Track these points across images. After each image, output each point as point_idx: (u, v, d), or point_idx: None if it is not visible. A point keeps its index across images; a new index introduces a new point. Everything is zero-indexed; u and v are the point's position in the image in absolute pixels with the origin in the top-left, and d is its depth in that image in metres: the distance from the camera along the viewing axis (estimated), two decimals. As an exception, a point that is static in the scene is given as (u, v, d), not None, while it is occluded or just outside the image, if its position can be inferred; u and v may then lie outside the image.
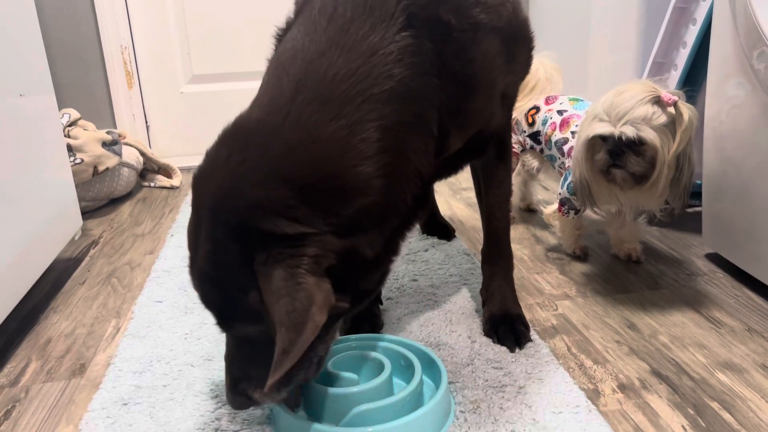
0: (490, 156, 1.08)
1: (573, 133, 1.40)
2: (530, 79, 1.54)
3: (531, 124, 1.53)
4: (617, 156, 1.15)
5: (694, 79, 1.53)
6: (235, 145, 0.74)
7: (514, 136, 1.57)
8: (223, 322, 0.78)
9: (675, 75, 1.51)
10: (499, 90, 0.95)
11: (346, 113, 0.74)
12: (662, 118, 1.12)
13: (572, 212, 1.40)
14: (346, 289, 0.74)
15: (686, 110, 1.11)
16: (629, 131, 1.12)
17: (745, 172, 1.22)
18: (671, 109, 1.12)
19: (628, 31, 1.84)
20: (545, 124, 1.48)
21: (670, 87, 1.53)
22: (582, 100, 1.49)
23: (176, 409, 0.93)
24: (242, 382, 0.78)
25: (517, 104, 1.54)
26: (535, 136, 1.52)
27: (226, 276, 0.72)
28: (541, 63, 1.56)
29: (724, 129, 1.28)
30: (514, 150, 1.57)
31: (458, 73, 0.84)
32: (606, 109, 1.16)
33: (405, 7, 0.79)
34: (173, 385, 0.99)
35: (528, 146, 1.57)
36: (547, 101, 1.52)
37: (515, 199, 1.74)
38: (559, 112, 1.46)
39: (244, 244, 0.70)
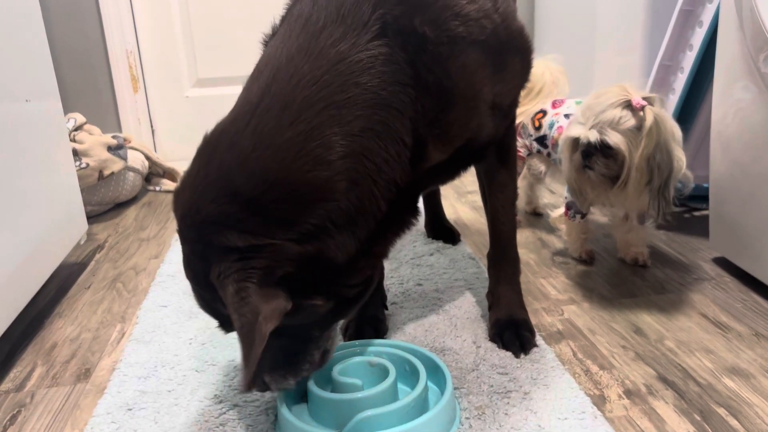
0: (492, 161, 1.08)
1: None
2: (536, 83, 1.53)
3: (537, 128, 1.52)
4: (587, 158, 1.17)
5: (701, 82, 1.52)
6: (203, 159, 0.77)
7: (520, 140, 1.56)
8: (222, 324, 0.83)
9: (682, 78, 1.51)
10: (487, 101, 0.93)
11: (304, 119, 0.75)
12: (631, 122, 1.12)
13: (578, 216, 1.40)
14: (322, 292, 0.78)
15: (650, 115, 1.11)
16: (592, 135, 1.14)
17: (752, 176, 1.21)
18: (641, 113, 1.12)
19: (633, 34, 1.83)
20: (552, 127, 1.47)
21: (676, 94, 1.52)
22: None
23: (181, 414, 0.93)
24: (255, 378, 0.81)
25: (523, 108, 1.53)
26: (541, 140, 1.52)
27: (201, 287, 0.78)
28: (546, 66, 1.55)
29: (730, 132, 1.27)
30: (520, 154, 1.56)
31: (433, 85, 0.84)
32: (583, 111, 1.18)
33: (379, 17, 0.79)
34: (178, 390, 0.99)
35: (534, 150, 1.56)
36: (554, 105, 1.51)
37: (521, 203, 1.73)
38: (566, 116, 1.45)
39: (204, 259, 0.74)
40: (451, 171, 1.00)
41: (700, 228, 1.59)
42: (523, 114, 1.54)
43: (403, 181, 0.83)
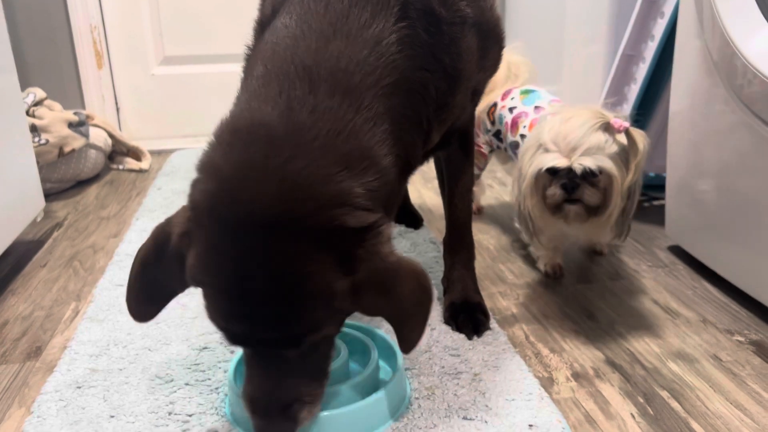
0: (454, 148, 1.09)
1: (522, 136, 1.33)
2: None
3: (492, 123, 1.46)
4: (572, 190, 1.05)
5: (662, 73, 1.54)
6: (264, 145, 0.67)
7: (482, 136, 1.51)
8: (293, 340, 0.69)
9: (643, 68, 1.52)
10: (472, 85, 0.95)
11: (367, 106, 0.73)
12: (614, 147, 1.04)
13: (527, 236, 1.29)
14: None
15: (640, 138, 1.04)
16: (589, 162, 1.02)
17: (708, 167, 1.23)
18: (620, 136, 1.05)
19: (600, 24, 1.85)
20: (501, 121, 1.42)
21: (637, 83, 1.54)
22: (534, 91, 1.42)
23: (131, 392, 0.92)
24: (294, 404, 0.71)
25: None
26: (498, 135, 1.46)
27: (308, 285, 0.65)
28: (504, 60, 1.45)
29: (687, 123, 1.29)
30: (482, 150, 1.52)
31: (447, 68, 0.84)
32: (553, 138, 1.05)
33: None
34: (129, 368, 0.98)
35: (495, 146, 1.51)
36: (503, 96, 1.44)
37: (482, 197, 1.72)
38: (510, 110, 1.39)
39: (330, 246, 0.65)
40: (427, 156, 1.01)
41: (657, 217, 1.62)
42: (478, 109, 1.46)
43: (414, 166, 0.84)
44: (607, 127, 1.04)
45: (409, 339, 0.72)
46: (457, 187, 1.13)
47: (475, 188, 1.59)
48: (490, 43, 0.96)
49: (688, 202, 1.32)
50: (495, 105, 1.45)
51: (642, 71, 1.52)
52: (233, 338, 0.70)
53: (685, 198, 1.33)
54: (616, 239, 1.13)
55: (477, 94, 1.01)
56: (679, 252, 1.41)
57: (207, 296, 0.69)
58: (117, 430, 0.84)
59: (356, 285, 0.67)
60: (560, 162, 1.04)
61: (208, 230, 0.67)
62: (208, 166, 0.69)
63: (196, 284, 0.70)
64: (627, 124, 1.04)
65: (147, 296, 0.77)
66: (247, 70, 0.81)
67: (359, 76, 0.73)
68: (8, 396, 0.94)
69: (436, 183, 1.21)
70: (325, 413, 0.79)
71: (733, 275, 1.21)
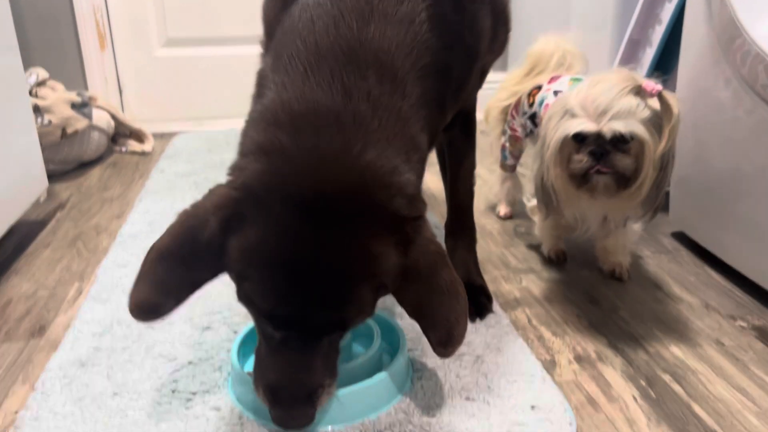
0: (457, 130, 1.08)
1: None
2: (539, 61, 1.41)
3: (531, 105, 1.34)
4: (601, 156, 0.98)
5: (668, 58, 1.53)
6: (334, 133, 0.67)
7: (517, 118, 1.41)
8: (342, 322, 0.69)
9: (650, 52, 1.51)
10: (481, 66, 0.95)
11: (409, 91, 0.73)
12: (646, 112, 0.97)
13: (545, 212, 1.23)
14: None
15: (674, 102, 0.96)
16: (620, 126, 0.95)
17: (711, 152, 1.23)
18: (652, 101, 0.98)
19: (606, 8, 1.83)
20: (542, 104, 1.30)
21: (644, 68, 1.53)
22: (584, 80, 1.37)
23: (134, 370, 0.92)
24: (318, 390, 0.70)
25: (520, 87, 1.43)
26: (533, 118, 1.34)
27: (368, 267, 0.66)
28: (557, 45, 1.39)
29: (693, 108, 1.28)
30: (516, 134, 1.42)
31: (469, 48, 0.84)
32: (581, 102, 0.98)
33: None
34: (132, 347, 0.98)
35: (528, 130, 1.36)
36: (551, 81, 1.33)
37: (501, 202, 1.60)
38: (555, 93, 1.27)
39: (390, 232, 0.67)
40: None
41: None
42: (518, 93, 1.40)
43: (432, 144, 0.84)
44: (639, 91, 0.97)
45: (451, 335, 0.70)
46: (459, 171, 1.12)
47: (507, 183, 1.53)
48: (499, 24, 0.95)
49: (692, 188, 1.32)
50: (539, 87, 1.34)
51: (649, 56, 1.51)
52: (281, 323, 0.68)
53: (689, 184, 1.32)
54: (645, 218, 1.06)
55: (484, 75, 1.01)
56: (682, 238, 1.41)
57: (257, 280, 0.66)
58: (120, 407, 0.84)
59: (406, 268, 0.68)
60: (589, 127, 0.97)
61: (269, 212, 0.65)
62: (269, 148, 0.67)
63: (247, 268, 0.66)
64: (660, 87, 0.97)
65: (164, 290, 0.69)
66: (278, 47, 0.77)
67: (400, 59, 0.73)
68: (12, 373, 0.95)
69: (438, 167, 1.20)
70: (327, 393, 0.80)
71: (736, 261, 1.21)
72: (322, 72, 0.70)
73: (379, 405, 0.83)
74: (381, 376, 0.83)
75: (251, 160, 0.68)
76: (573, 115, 0.99)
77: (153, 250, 0.69)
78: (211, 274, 0.70)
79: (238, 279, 0.68)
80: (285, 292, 0.65)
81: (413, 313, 0.72)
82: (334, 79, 0.70)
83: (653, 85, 0.96)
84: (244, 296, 0.69)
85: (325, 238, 0.64)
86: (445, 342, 0.70)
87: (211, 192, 0.69)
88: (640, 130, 0.96)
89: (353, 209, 0.65)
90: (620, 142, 0.97)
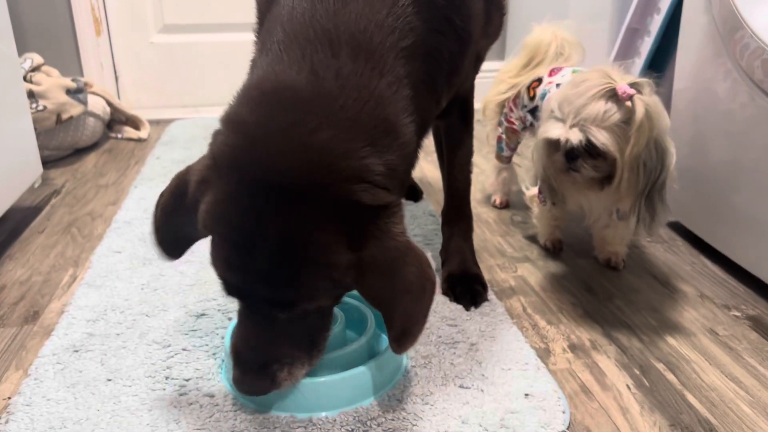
0: (453, 117, 1.07)
1: None
2: (537, 51, 1.38)
3: (532, 98, 1.33)
4: (572, 160, 1.02)
5: (666, 47, 1.52)
6: (292, 109, 0.67)
7: (515, 111, 1.40)
8: (285, 303, 0.70)
9: (648, 41, 1.51)
10: (476, 50, 0.94)
11: (388, 70, 0.72)
12: (616, 116, 0.97)
13: (549, 201, 1.26)
14: None
15: (641, 107, 0.96)
16: (574, 136, 0.99)
17: (709, 143, 1.22)
18: (629, 104, 0.97)
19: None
20: (544, 98, 1.28)
21: (641, 58, 1.52)
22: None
23: (128, 357, 0.92)
24: (274, 364, 0.73)
25: (519, 79, 1.40)
26: (534, 112, 1.33)
27: (311, 253, 0.66)
28: (554, 35, 1.37)
29: (692, 98, 1.28)
30: (513, 127, 1.41)
31: (459, 30, 0.82)
32: (560, 103, 1.02)
33: None
34: (126, 333, 0.98)
35: (528, 123, 1.36)
36: (551, 73, 1.32)
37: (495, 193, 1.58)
38: (557, 86, 1.25)
39: (341, 219, 0.66)
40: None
41: (658, 193, 1.61)
42: (519, 85, 1.38)
43: (427, 132, 0.84)
44: (613, 94, 0.98)
45: (406, 333, 0.69)
46: (456, 158, 1.12)
47: (502, 174, 1.52)
48: (493, 8, 0.95)
49: (689, 178, 1.31)
50: (539, 80, 1.33)
51: (647, 45, 1.51)
52: (230, 289, 0.72)
53: (687, 174, 1.32)
54: (643, 230, 1.06)
55: (479, 60, 1.00)
56: (678, 228, 1.41)
57: (214, 243, 0.71)
58: (114, 393, 0.84)
59: (361, 262, 0.67)
60: (560, 133, 1.01)
61: (225, 180, 0.68)
62: (233, 121, 0.70)
63: (206, 231, 0.70)
64: (633, 91, 0.97)
65: (171, 240, 0.80)
66: (264, 34, 0.79)
67: (379, 38, 0.72)
68: (6, 358, 0.95)
69: (435, 156, 1.20)
70: (320, 379, 0.80)
71: (732, 251, 1.21)
72: (292, 53, 0.72)
73: (372, 392, 0.83)
74: (373, 363, 0.83)
75: (221, 131, 0.71)
76: (554, 118, 1.03)
77: (157, 205, 0.79)
78: (198, 233, 0.75)
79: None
80: (231, 261, 0.69)
81: (374, 305, 0.73)
82: (304, 59, 0.71)
83: (626, 89, 0.96)
84: (210, 259, 0.72)
85: (270, 214, 0.65)
86: (399, 339, 0.69)
87: (200, 157, 0.75)
88: (602, 139, 0.98)
89: (298, 189, 0.65)
90: (591, 145, 0.99)
